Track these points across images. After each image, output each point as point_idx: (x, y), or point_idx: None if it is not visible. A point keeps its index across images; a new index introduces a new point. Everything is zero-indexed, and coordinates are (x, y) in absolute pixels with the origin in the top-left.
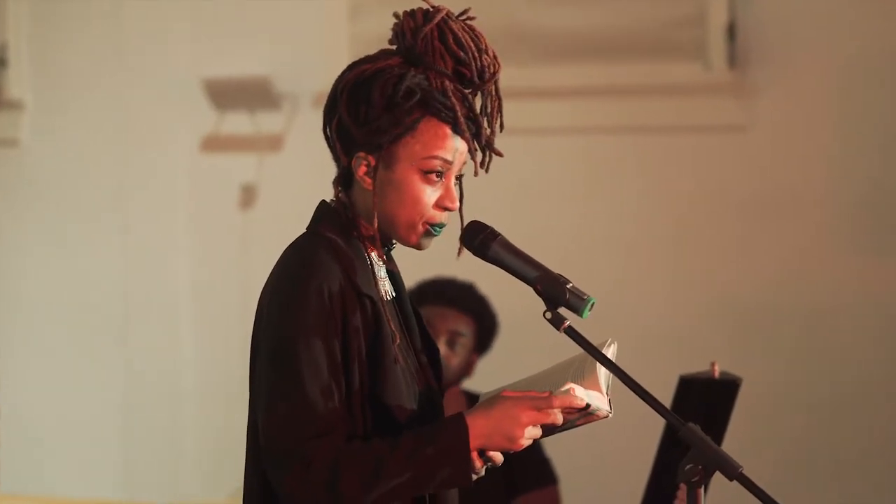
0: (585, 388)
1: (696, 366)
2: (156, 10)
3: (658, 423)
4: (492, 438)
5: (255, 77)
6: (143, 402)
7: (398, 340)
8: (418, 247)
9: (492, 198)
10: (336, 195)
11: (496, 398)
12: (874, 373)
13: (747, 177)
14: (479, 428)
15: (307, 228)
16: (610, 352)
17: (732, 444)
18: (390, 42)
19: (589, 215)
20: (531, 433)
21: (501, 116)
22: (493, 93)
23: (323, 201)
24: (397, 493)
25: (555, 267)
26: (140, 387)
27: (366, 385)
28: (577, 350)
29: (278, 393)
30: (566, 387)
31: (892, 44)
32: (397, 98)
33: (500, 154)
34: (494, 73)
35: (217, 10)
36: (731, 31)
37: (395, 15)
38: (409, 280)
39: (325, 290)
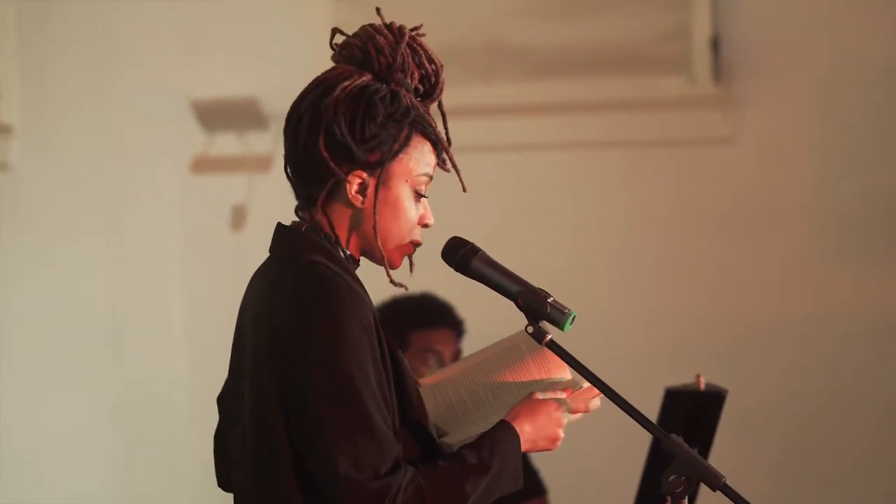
0: (570, 374)
1: (684, 378)
2: (144, 32)
3: (645, 435)
4: (537, 443)
5: (244, 98)
6: (137, 423)
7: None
8: (396, 266)
9: (478, 214)
10: (318, 216)
11: (533, 401)
12: (862, 382)
13: (733, 189)
14: (526, 434)
15: (291, 254)
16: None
17: (722, 455)
18: (345, 58)
19: (576, 230)
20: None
21: (447, 131)
22: (439, 108)
23: (283, 225)
24: None
25: (542, 282)
26: (133, 408)
27: (398, 407)
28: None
29: (346, 431)
30: (586, 384)
31: (874, 55)
32: (397, 115)
33: (446, 170)
34: (444, 89)
35: (205, 32)
36: (715, 45)
37: (366, 31)
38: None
39: (365, 322)
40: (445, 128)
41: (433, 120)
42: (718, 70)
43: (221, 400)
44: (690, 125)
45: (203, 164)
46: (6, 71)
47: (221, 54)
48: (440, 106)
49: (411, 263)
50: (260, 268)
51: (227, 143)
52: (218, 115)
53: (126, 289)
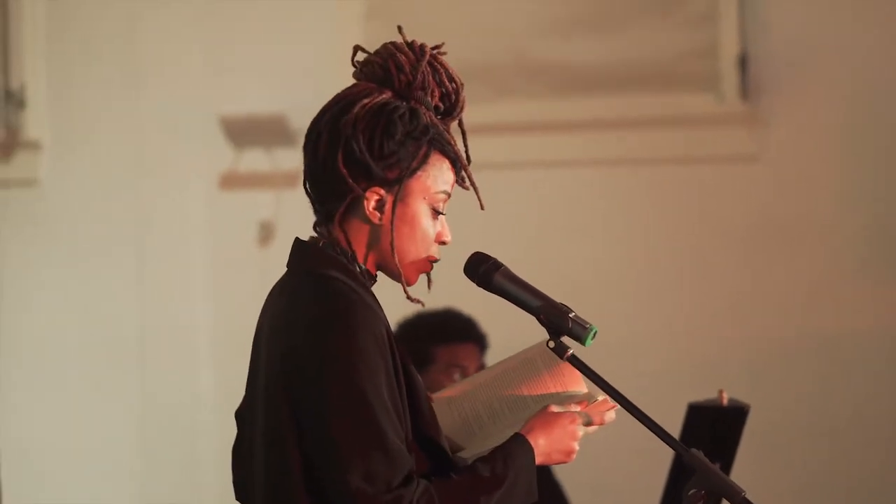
0: (588, 389)
1: (709, 394)
2: (172, 48)
3: (667, 450)
4: (551, 456)
5: (272, 114)
6: (161, 439)
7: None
8: (412, 283)
9: (505, 230)
10: (336, 232)
11: (548, 414)
12: (887, 399)
13: (759, 206)
14: (541, 447)
15: (308, 269)
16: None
17: (747, 472)
18: (366, 75)
19: (602, 247)
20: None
21: (468, 149)
22: (459, 126)
23: (301, 241)
24: None
25: (567, 298)
26: (158, 424)
27: (410, 422)
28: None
29: (359, 446)
30: (601, 397)
31: None
32: (416, 133)
33: (465, 188)
34: (464, 108)
35: (233, 48)
36: (743, 63)
37: (387, 49)
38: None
39: (379, 337)
40: (465, 146)
41: (453, 138)
42: (746, 88)
43: (240, 414)
44: (717, 142)
45: (231, 180)
46: (35, 87)
47: (250, 71)
48: (460, 124)
49: (429, 280)
50: (277, 283)
51: (255, 160)
52: (246, 132)
53: (153, 304)
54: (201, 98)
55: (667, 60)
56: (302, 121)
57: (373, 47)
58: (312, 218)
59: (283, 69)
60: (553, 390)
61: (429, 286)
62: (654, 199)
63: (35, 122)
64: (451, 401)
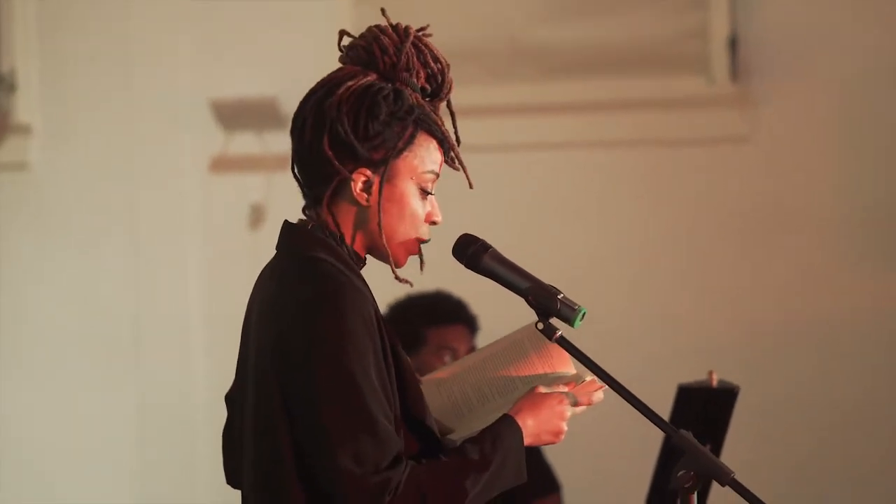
0: (577, 370)
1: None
2: (163, 32)
3: (659, 432)
4: (540, 437)
5: (262, 98)
6: (156, 424)
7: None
8: (401, 264)
9: (498, 213)
10: (324, 214)
11: (535, 395)
12: (884, 385)
13: (751, 188)
14: (529, 428)
15: (296, 251)
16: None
17: (743, 456)
18: (352, 59)
19: (594, 228)
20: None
21: (456, 130)
22: (448, 107)
23: (290, 223)
24: (475, 502)
25: (560, 281)
26: (152, 409)
27: (398, 403)
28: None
29: (348, 428)
30: (589, 378)
31: (891, 55)
32: (400, 113)
33: (455, 168)
34: (451, 89)
35: (224, 32)
36: (733, 45)
37: (371, 32)
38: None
39: (367, 319)
40: (455, 127)
41: (441, 118)
42: (736, 69)
43: (230, 398)
44: (708, 124)
45: (222, 164)
46: (26, 70)
47: (240, 54)
48: (449, 105)
49: (422, 262)
50: (266, 266)
51: (245, 143)
52: (237, 115)
53: (145, 288)
54: (192, 82)
55: (657, 43)
56: (292, 104)
57: (362, 31)
58: (303, 201)
59: (274, 53)
60: (541, 371)
61: (421, 268)
62: (645, 181)
63: (26, 106)
64: (440, 383)
